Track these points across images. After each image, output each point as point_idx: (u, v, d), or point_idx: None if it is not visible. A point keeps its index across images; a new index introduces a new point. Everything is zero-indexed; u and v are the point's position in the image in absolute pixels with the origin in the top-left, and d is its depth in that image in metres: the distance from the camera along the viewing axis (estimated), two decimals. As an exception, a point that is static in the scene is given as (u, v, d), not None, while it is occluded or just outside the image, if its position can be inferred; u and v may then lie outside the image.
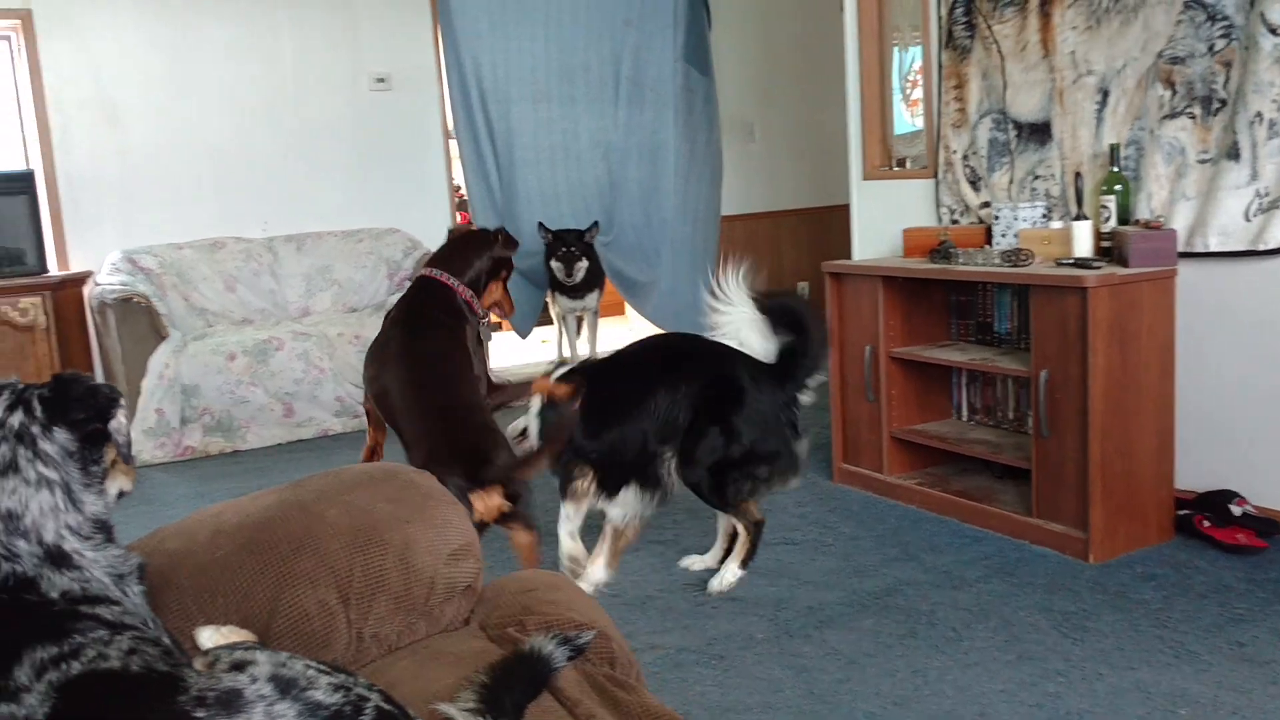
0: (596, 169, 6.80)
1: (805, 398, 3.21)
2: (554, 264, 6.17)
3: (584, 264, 6.18)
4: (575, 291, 6.29)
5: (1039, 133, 3.83)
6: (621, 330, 7.77)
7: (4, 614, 1.14)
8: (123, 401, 1.35)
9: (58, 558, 1.21)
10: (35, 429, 1.25)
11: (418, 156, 6.84)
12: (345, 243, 6.37)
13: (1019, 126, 3.90)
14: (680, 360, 3.22)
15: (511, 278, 3.42)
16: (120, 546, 1.30)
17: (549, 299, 6.53)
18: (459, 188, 7.19)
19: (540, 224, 6.27)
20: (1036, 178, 3.85)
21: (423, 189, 6.87)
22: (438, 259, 3.39)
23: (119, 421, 1.32)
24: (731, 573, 3.18)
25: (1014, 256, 3.45)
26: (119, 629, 1.15)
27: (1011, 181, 3.95)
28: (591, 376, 3.19)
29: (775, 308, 3.23)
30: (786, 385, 3.16)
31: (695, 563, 3.40)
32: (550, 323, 6.81)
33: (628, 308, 7.62)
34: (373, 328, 5.62)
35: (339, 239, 6.38)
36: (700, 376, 3.14)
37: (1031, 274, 3.34)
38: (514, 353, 7.07)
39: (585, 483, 3.17)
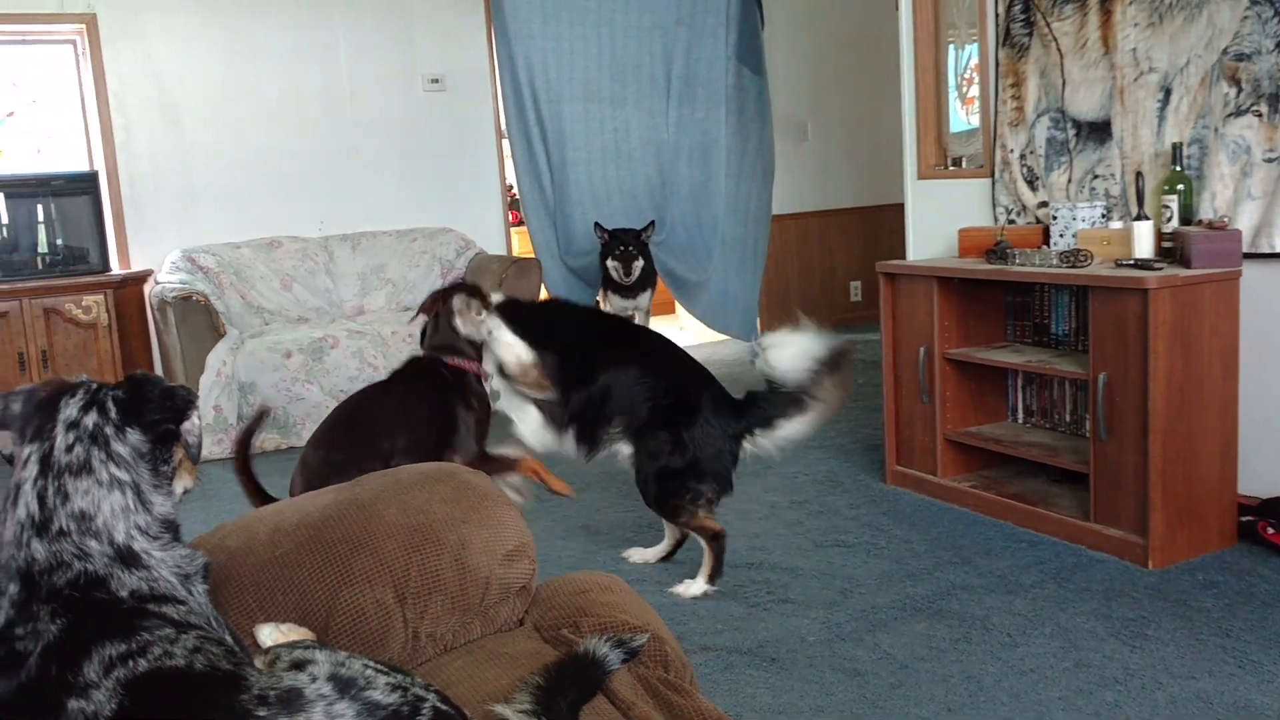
0: (648, 168, 6.80)
1: (763, 444, 3.21)
2: (611, 263, 6.18)
3: (640, 263, 6.19)
4: (629, 291, 6.29)
5: (1098, 131, 3.77)
6: (671, 329, 7.76)
7: (75, 611, 1.16)
8: (198, 403, 1.37)
9: (128, 557, 1.23)
10: (109, 430, 1.27)
11: (471, 156, 6.90)
12: (399, 242, 6.44)
13: (1078, 125, 3.84)
14: (651, 355, 3.30)
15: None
16: (186, 546, 1.32)
17: (600, 297, 6.54)
18: (511, 187, 7.23)
19: (596, 224, 6.28)
20: (1096, 177, 3.79)
21: (476, 189, 6.93)
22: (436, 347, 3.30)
23: (192, 423, 1.34)
24: (699, 587, 3.18)
25: (1072, 257, 3.40)
26: (184, 628, 1.17)
27: (1070, 181, 3.89)
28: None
29: (832, 351, 3.15)
30: (741, 420, 3.19)
31: (635, 555, 3.52)
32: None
33: (678, 306, 7.62)
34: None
35: (393, 238, 6.46)
36: (666, 377, 3.22)
37: (1090, 275, 3.28)
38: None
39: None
